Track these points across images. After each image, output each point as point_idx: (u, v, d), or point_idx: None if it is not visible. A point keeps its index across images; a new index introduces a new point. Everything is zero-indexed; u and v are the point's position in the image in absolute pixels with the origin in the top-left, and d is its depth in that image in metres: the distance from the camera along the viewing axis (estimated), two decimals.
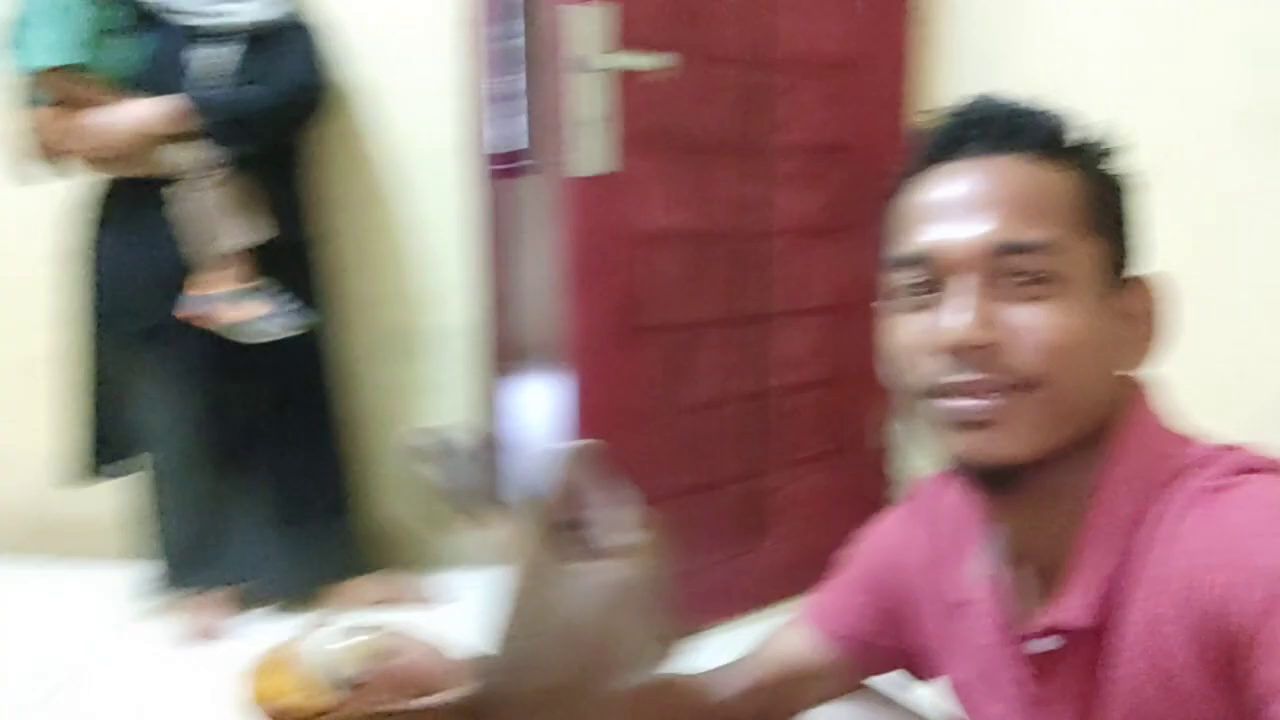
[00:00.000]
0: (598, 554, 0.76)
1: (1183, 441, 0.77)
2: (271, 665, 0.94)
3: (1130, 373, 0.79)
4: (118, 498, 2.36)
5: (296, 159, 2.36)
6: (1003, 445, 0.73)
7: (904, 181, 0.82)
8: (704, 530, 2.19)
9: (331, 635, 0.88)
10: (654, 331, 2.05)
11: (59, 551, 2.65)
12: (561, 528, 0.73)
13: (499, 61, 2.78)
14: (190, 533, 2.27)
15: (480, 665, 0.80)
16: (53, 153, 2.13)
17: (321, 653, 0.87)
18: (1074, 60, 1.91)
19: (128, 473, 2.31)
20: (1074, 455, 0.75)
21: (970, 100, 0.80)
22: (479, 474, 0.83)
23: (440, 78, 2.50)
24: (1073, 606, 0.74)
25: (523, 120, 4.68)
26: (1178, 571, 0.68)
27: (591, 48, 1.84)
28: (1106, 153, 0.79)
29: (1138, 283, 0.79)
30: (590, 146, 1.87)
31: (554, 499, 0.69)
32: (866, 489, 2.40)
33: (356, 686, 0.87)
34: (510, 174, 4.41)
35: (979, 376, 0.73)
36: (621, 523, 0.74)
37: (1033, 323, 0.72)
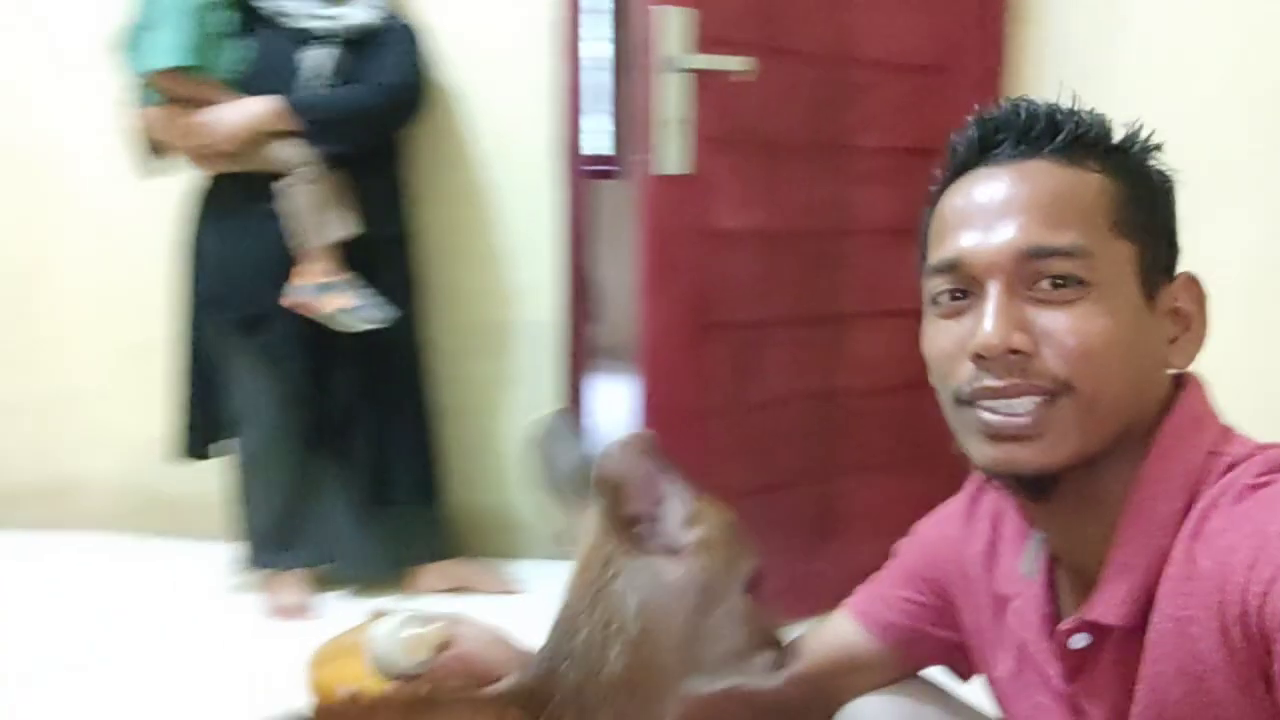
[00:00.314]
0: (668, 549, 0.78)
1: (1226, 440, 0.75)
2: (334, 654, 0.98)
3: (1175, 371, 0.78)
4: (217, 478, 2.47)
5: (395, 157, 2.45)
6: (1036, 455, 0.73)
7: (938, 190, 0.82)
8: (769, 531, 2.15)
9: (392, 626, 0.91)
10: (724, 329, 2.04)
11: (162, 528, 2.79)
12: (627, 520, 0.75)
13: (591, 63, 2.81)
14: (277, 514, 2.36)
15: (543, 654, 0.83)
16: (165, 149, 2.26)
17: (382, 643, 0.90)
18: (1171, 64, 1.84)
19: (223, 454, 2.42)
20: (1112, 457, 0.74)
21: (1000, 106, 0.79)
22: (578, 461, 0.85)
23: (533, 78, 2.55)
24: (1105, 605, 0.73)
25: (612, 121, 4.73)
26: (1207, 571, 0.66)
27: (674, 49, 1.85)
28: (1139, 154, 0.78)
29: (1178, 282, 0.78)
30: (669, 146, 1.88)
31: (617, 491, 0.73)
32: (943, 498, 2.32)
33: (414, 676, 0.91)
34: (599, 175, 4.47)
35: (1010, 382, 0.72)
36: (688, 517, 0.76)
37: (1063, 327, 0.72)
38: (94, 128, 2.59)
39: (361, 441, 2.36)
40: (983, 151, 0.78)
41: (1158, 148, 0.79)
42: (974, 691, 1.01)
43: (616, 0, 4.54)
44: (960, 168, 0.80)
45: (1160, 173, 0.79)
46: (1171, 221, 0.79)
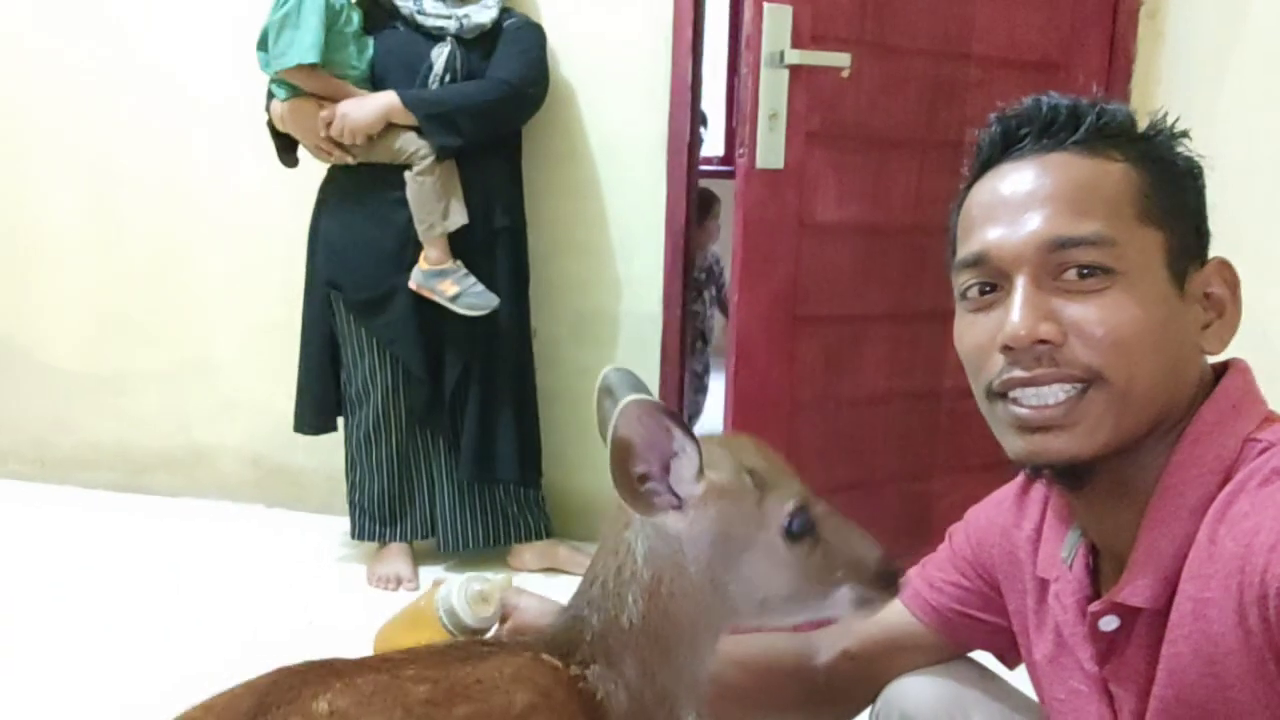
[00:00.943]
0: (676, 504, 0.78)
1: (1264, 425, 0.73)
2: (400, 621, 1.03)
3: (1213, 356, 0.77)
4: (336, 452, 2.57)
5: (512, 150, 2.51)
6: (1068, 445, 0.73)
7: (965, 187, 0.83)
8: (862, 528, 2.13)
9: (459, 584, 0.96)
10: (817, 322, 2.03)
11: (284, 498, 2.93)
12: (637, 479, 0.76)
13: (709, 61, 2.82)
14: (384, 488, 2.45)
15: (569, 604, 0.85)
16: (298, 141, 2.37)
17: (449, 601, 0.95)
18: None
19: (336, 429, 2.53)
20: (1147, 443, 0.74)
21: (1022, 102, 0.79)
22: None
23: (649, 76, 2.57)
24: (1133, 587, 0.73)
25: (723, 116, 4.71)
26: (1229, 553, 0.65)
27: (779, 44, 1.85)
28: (1163, 142, 0.77)
29: (1209, 267, 0.77)
30: (770, 140, 1.88)
31: (625, 451, 0.73)
32: None
33: (481, 631, 0.95)
34: (714, 174, 4.47)
35: (1039, 372, 0.73)
36: (697, 470, 0.77)
37: (1092, 317, 0.72)
38: (237, 120, 2.74)
39: (467, 422, 2.43)
40: (1006, 147, 0.79)
41: (1184, 134, 0.78)
42: (1018, 678, 1.00)
43: None
44: (985, 164, 0.80)
45: (1187, 159, 0.78)
46: (1200, 207, 0.78)
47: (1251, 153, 1.82)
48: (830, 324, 2.05)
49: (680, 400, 2.78)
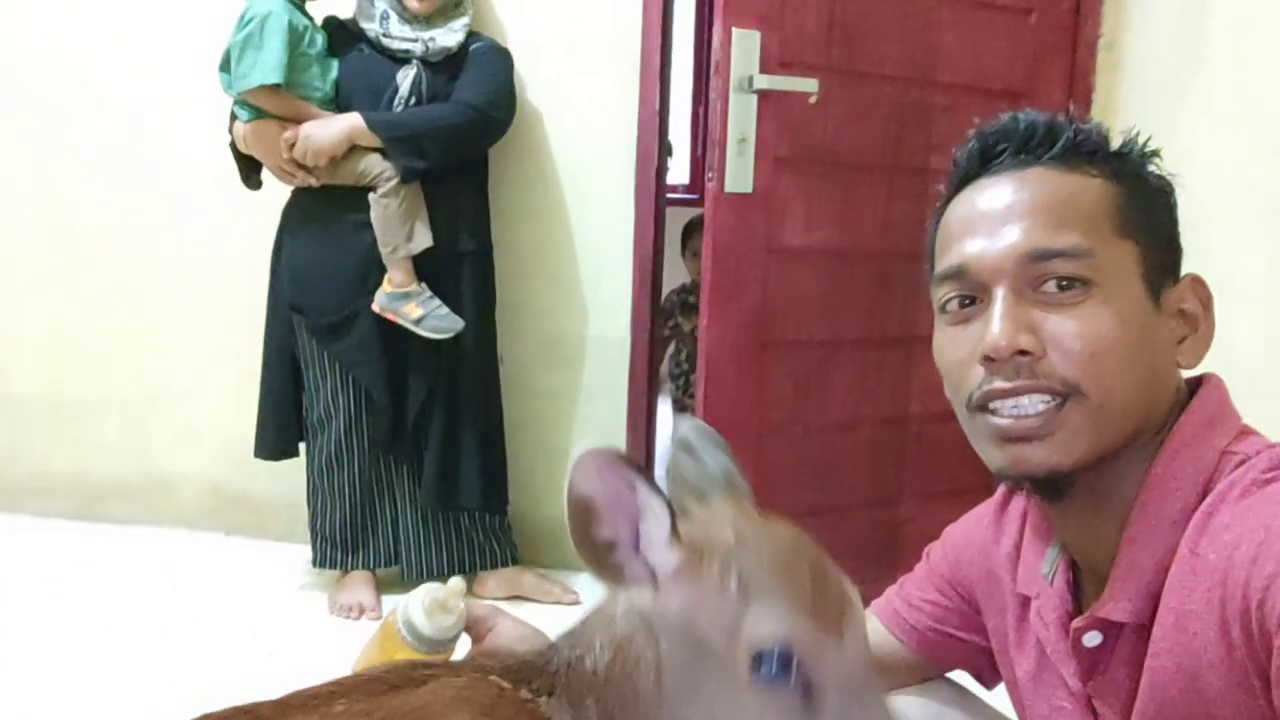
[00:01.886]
0: (646, 576, 0.66)
1: (1239, 438, 0.73)
2: (372, 644, 0.98)
3: (1187, 370, 0.77)
4: (298, 479, 2.49)
5: (478, 174, 2.46)
6: (1048, 456, 0.72)
7: (942, 204, 0.83)
8: (829, 555, 2.10)
9: (416, 598, 0.90)
10: (786, 347, 1.99)
11: (245, 526, 2.83)
12: (600, 546, 0.65)
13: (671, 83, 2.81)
14: (346, 515, 2.38)
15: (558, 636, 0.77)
16: (260, 162, 2.32)
17: (408, 614, 0.90)
18: (1252, 91, 1.76)
19: (298, 454, 2.45)
20: (1124, 456, 0.73)
21: (999, 119, 0.80)
22: (712, 473, 0.77)
23: (616, 101, 2.53)
24: (1115, 602, 0.72)
25: (688, 143, 4.70)
26: (1210, 566, 0.64)
27: (748, 69, 1.84)
28: (1137, 159, 0.78)
29: (1184, 283, 0.77)
30: (739, 165, 1.86)
31: (584, 512, 0.63)
32: None
33: (446, 643, 0.89)
34: (681, 203, 4.47)
35: (1018, 383, 0.72)
36: (669, 536, 0.64)
37: (1071, 330, 0.71)
38: (197, 140, 2.66)
39: (431, 448, 2.36)
40: (985, 162, 0.79)
41: (1155, 154, 0.79)
42: (996, 698, 0.98)
43: (700, 24, 4.58)
44: (963, 180, 0.80)
45: (1159, 177, 0.79)
46: (1173, 224, 0.78)
47: (1210, 176, 1.83)
48: (799, 349, 2.02)
49: (648, 428, 2.74)
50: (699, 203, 4.96)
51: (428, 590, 0.91)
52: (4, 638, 2.15)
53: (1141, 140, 0.79)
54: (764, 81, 1.84)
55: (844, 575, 0.68)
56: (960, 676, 1.03)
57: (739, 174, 1.88)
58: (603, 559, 0.66)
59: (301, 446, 2.45)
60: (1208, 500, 0.68)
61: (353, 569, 2.40)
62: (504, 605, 2.29)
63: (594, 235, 2.63)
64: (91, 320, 2.91)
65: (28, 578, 2.52)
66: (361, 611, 2.32)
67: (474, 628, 0.92)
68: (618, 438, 2.68)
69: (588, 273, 2.66)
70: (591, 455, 0.63)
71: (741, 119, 1.84)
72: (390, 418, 2.33)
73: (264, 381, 2.43)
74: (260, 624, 2.28)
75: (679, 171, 5.03)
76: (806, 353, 2.04)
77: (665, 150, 2.69)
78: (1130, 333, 0.72)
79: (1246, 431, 0.74)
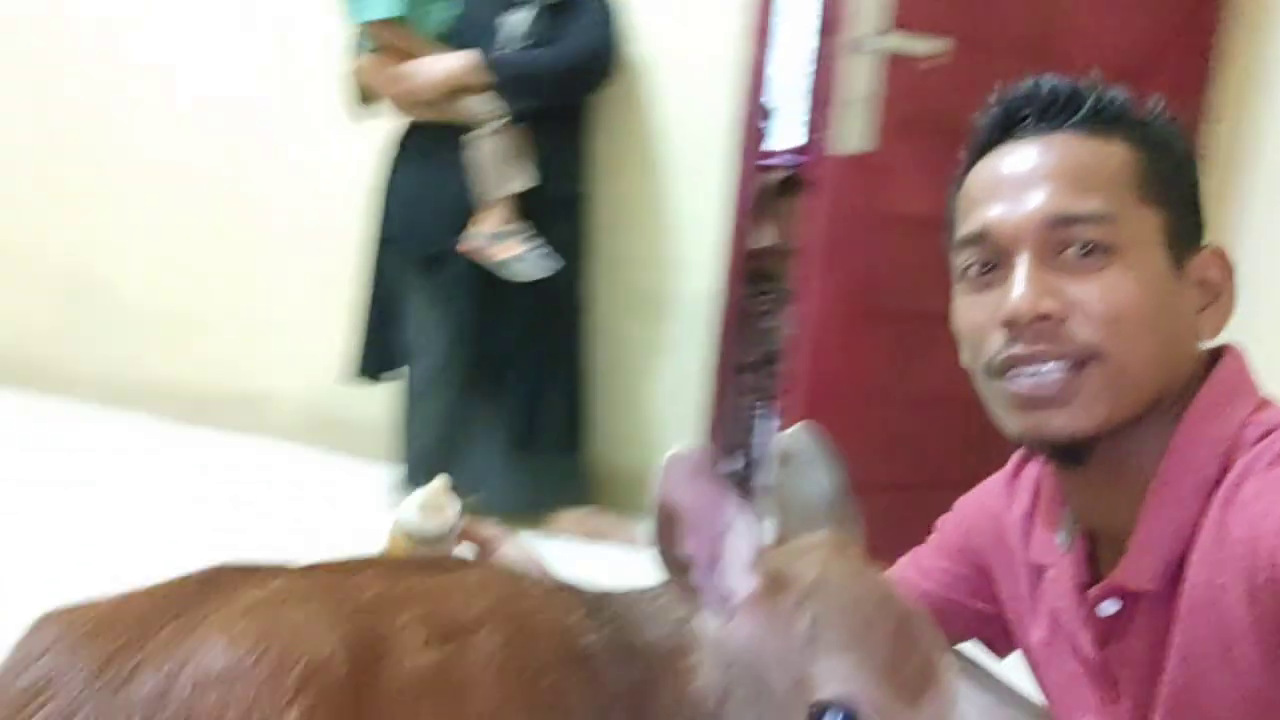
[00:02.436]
0: (721, 601, 0.63)
1: (1259, 409, 0.71)
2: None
3: (1207, 340, 0.75)
4: (388, 404, 2.56)
5: (579, 120, 2.45)
6: (1066, 421, 0.71)
7: (963, 169, 0.81)
8: (918, 530, 2.07)
9: (412, 497, 0.94)
10: (888, 318, 1.94)
11: (337, 445, 2.92)
12: (681, 562, 0.62)
13: (782, 39, 2.75)
14: (433, 442, 2.43)
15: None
16: (371, 95, 2.35)
17: (403, 512, 0.94)
18: None
19: (392, 380, 2.50)
20: (1144, 425, 0.72)
21: (1022, 84, 0.78)
22: (825, 490, 0.72)
23: (721, 53, 2.49)
24: (1134, 571, 0.72)
25: (798, 99, 4.59)
26: (1239, 538, 0.63)
27: (868, 28, 1.78)
28: (1162, 125, 0.76)
29: (1206, 253, 0.76)
30: (853, 126, 1.80)
31: (669, 523, 0.60)
32: None
33: (439, 539, 0.91)
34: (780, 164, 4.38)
35: (1041, 349, 0.71)
36: (753, 560, 0.61)
37: (1093, 294, 0.70)
38: (304, 73, 2.72)
39: (515, 388, 2.39)
40: (1007, 128, 0.77)
41: (1178, 120, 0.77)
42: (1010, 668, 0.97)
43: None
44: (985, 146, 0.79)
45: (1184, 144, 0.76)
46: (1196, 192, 0.77)
47: None
48: (900, 320, 1.96)
49: (727, 389, 2.73)
50: (797, 166, 4.87)
51: (418, 492, 0.95)
52: (114, 524, 2.28)
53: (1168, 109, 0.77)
54: (885, 41, 1.78)
55: (941, 644, 0.63)
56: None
57: (853, 136, 1.82)
58: (680, 571, 0.63)
59: (393, 374, 2.50)
60: (1234, 471, 0.67)
61: None
62: (577, 544, 2.38)
63: (688, 191, 2.61)
64: (202, 238, 3.02)
65: (140, 475, 2.66)
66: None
67: (484, 544, 0.94)
68: (696, 394, 2.69)
69: (680, 227, 2.65)
70: (682, 459, 0.60)
71: (855, 78, 1.79)
72: (479, 353, 2.37)
73: (362, 307, 2.49)
74: (344, 539, 2.35)
75: (784, 134, 4.92)
76: (907, 324, 1.98)
77: (765, 110, 2.65)
78: (1152, 299, 0.71)
79: (1266, 403, 0.73)
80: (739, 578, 0.63)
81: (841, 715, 0.58)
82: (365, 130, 2.46)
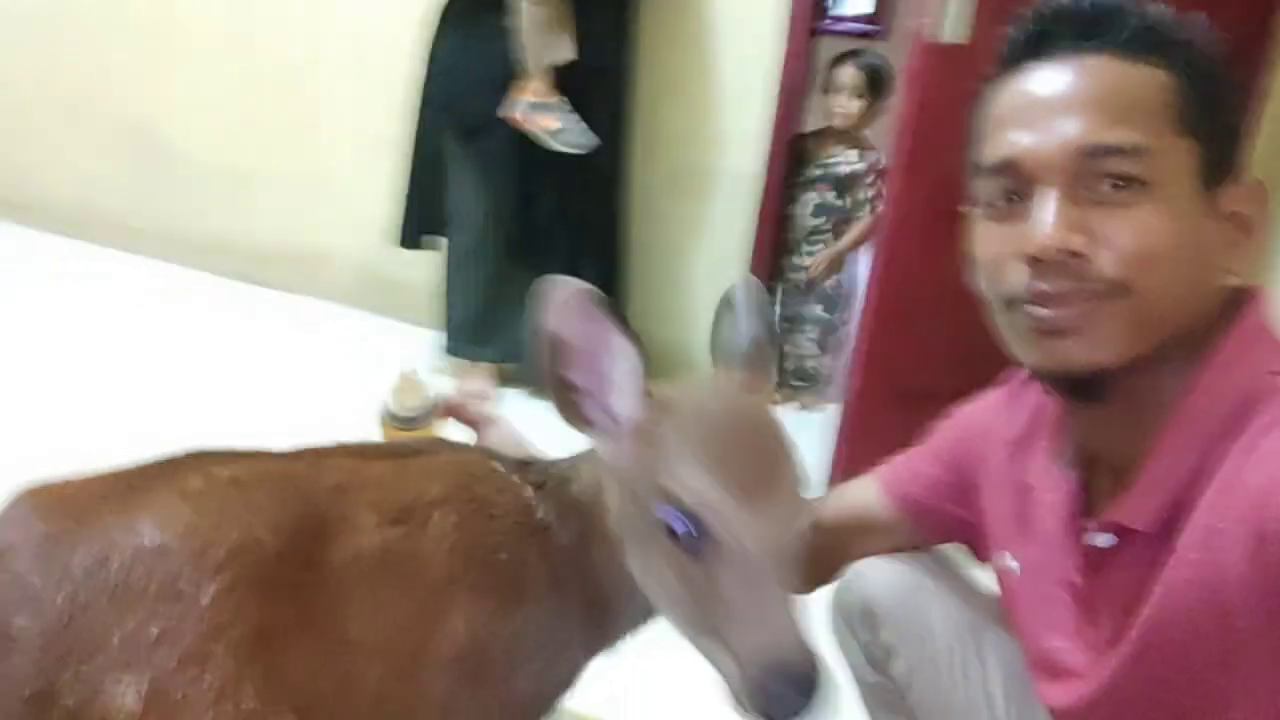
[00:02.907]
0: (607, 425, 0.69)
1: None
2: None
3: (1238, 279, 0.72)
4: (431, 268, 2.62)
5: None
6: (1086, 353, 0.69)
7: (990, 84, 0.76)
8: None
9: (392, 383, 1.01)
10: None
11: (386, 307, 3.01)
12: (566, 386, 0.67)
13: None
14: (475, 310, 2.48)
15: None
16: None
17: (385, 397, 1.00)
18: None
19: (435, 247, 2.55)
20: (1165, 361, 0.70)
21: None
22: (752, 337, 0.76)
23: None
24: (1136, 509, 0.71)
25: None
26: (1249, 486, 0.62)
27: None
28: (1203, 51, 0.70)
29: (1239, 186, 0.72)
30: (956, 10, 1.68)
31: (555, 350, 0.65)
32: None
33: (415, 420, 0.98)
34: (847, 32, 4.21)
35: (1065, 286, 0.68)
36: (633, 389, 0.67)
37: (1122, 231, 0.67)
38: None
39: (556, 257, 2.41)
40: (1040, 45, 0.72)
41: (1225, 45, 0.71)
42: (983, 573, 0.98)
43: None
44: (1016, 61, 0.73)
45: (1227, 70, 0.71)
46: (1237, 121, 0.73)
47: None
48: None
49: (771, 268, 2.73)
50: (867, 36, 4.64)
51: (394, 379, 1.01)
52: (166, 377, 2.42)
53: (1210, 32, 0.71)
54: None
55: (794, 460, 0.67)
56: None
57: (954, 21, 1.69)
58: (565, 398, 0.67)
59: (435, 240, 2.55)
60: (1258, 422, 0.65)
61: (478, 360, 2.53)
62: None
63: (737, 64, 2.54)
64: (263, 96, 3.06)
65: (199, 329, 2.80)
66: (479, 402, 2.47)
67: (475, 425, 0.99)
68: (735, 273, 2.69)
69: (727, 102, 2.59)
70: (567, 291, 0.64)
71: None
72: (521, 223, 2.39)
73: (408, 173, 2.51)
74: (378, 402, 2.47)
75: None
76: None
77: None
78: (1183, 235, 0.67)
79: None
80: (625, 403, 0.68)
81: (682, 516, 0.63)
82: None
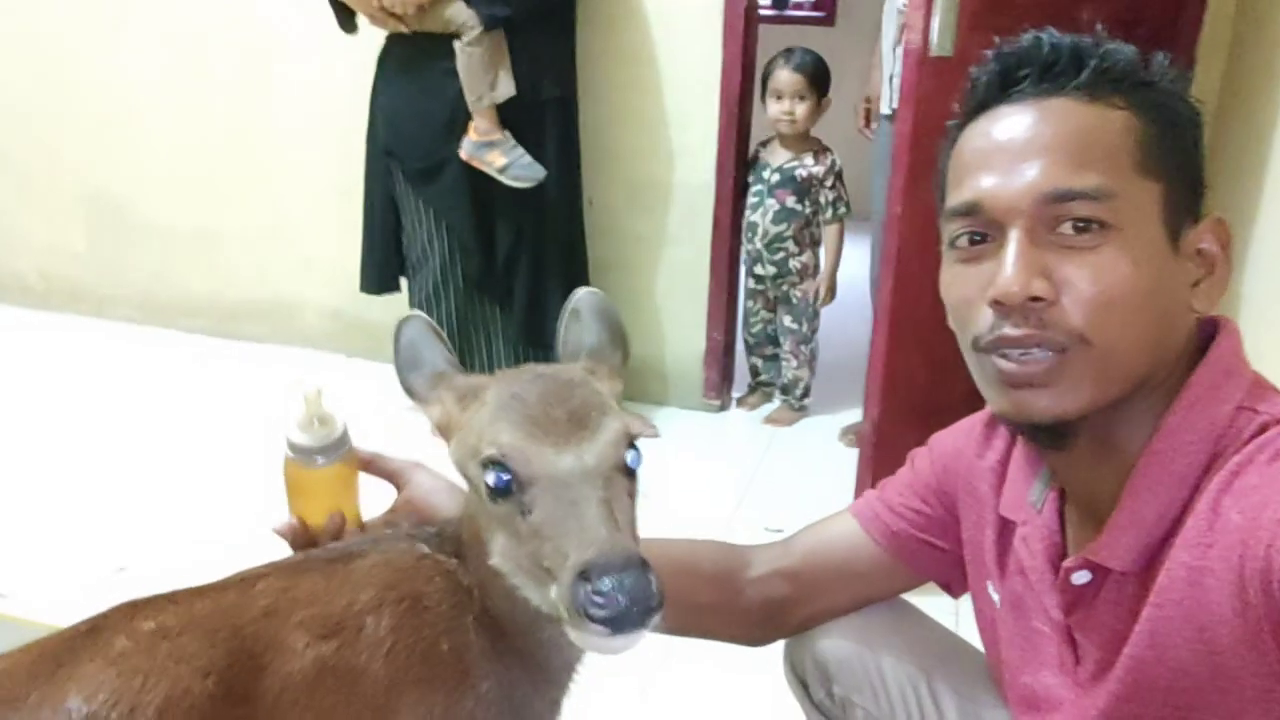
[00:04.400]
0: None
1: (1259, 396, 0.68)
2: (285, 483, 0.95)
3: (1201, 313, 0.71)
4: (402, 308, 2.63)
5: (565, 18, 2.39)
6: (1050, 404, 0.68)
7: (957, 126, 0.75)
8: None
9: (288, 428, 0.89)
10: None
11: (360, 350, 3.02)
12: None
13: None
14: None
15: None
16: (356, 10, 2.31)
17: (288, 444, 0.89)
18: None
19: (400, 289, 2.55)
20: (1132, 403, 0.69)
21: (1022, 39, 0.71)
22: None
23: None
24: (1112, 549, 0.70)
25: None
26: (1233, 525, 0.62)
27: None
28: (1166, 90, 0.69)
29: (1203, 225, 0.71)
30: (943, 23, 1.64)
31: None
32: None
33: (320, 450, 0.89)
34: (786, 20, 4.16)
35: (1028, 332, 0.68)
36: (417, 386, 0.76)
37: (1085, 275, 0.67)
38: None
39: (518, 289, 2.43)
40: (1004, 88, 0.71)
41: (1187, 80, 0.71)
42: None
43: None
44: (981, 104, 0.73)
45: (1189, 106, 0.70)
46: (1198, 159, 0.71)
47: None
48: None
49: (731, 275, 2.74)
50: (792, 20, 4.55)
51: (296, 411, 0.89)
52: (148, 435, 2.42)
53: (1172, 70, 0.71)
54: None
55: (600, 405, 0.69)
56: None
57: (941, 34, 1.64)
58: (421, 401, 0.77)
59: (403, 282, 2.54)
60: (1234, 460, 0.64)
61: None
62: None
63: (681, 79, 2.55)
64: (215, 158, 3.06)
65: (173, 385, 2.80)
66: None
67: (393, 478, 0.97)
68: (700, 283, 2.71)
69: (674, 117, 2.60)
70: (415, 320, 0.76)
71: None
72: (480, 259, 2.39)
73: (366, 221, 2.51)
74: (370, 440, 2.47)
75: None
76: None
77: None
78: (1146, 279, 0.67)
79: (1262, 384, 0.70)
80: (424, 392, 0.77)
81: (496, 468, 0.66)
82: (356, 42, 2.43)
